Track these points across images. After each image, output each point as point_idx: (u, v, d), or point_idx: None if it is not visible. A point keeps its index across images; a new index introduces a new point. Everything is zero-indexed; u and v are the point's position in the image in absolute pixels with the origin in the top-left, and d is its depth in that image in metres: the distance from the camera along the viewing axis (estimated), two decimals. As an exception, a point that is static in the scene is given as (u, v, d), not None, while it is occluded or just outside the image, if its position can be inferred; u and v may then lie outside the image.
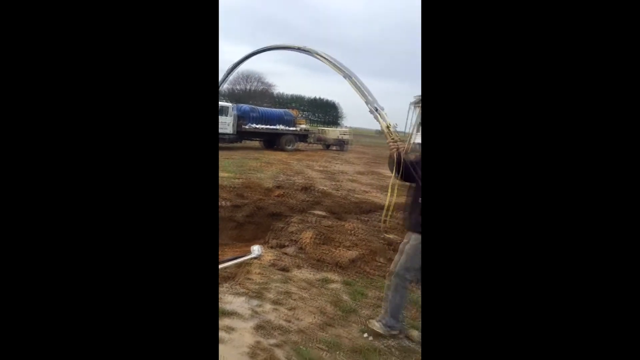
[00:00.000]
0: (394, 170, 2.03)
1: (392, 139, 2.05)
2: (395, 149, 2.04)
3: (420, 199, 2.03)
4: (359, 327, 2.41)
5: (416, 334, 2.34)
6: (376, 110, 2.04)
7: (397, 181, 2.04)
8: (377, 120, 2.09)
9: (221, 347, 1.99)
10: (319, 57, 2.12)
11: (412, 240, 2.23)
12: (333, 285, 3.00)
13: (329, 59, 2.06)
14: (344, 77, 2.12)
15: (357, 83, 2.18)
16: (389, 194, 2.11)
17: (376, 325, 2.33)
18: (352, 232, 3.90)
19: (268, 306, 2.56)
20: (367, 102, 2.10)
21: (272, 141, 14.66)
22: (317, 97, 60.01)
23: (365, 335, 2.31)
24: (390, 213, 2.19)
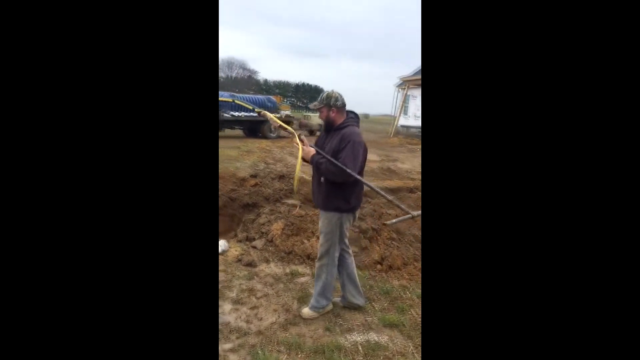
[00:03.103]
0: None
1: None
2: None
3: (322, 178, 2.16)
4: (325, 324, 2.26)
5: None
6: (288, 121, 2.70)
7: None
8: (287, 129, 2.70)
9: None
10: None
11: (321, 220, 2.25)
12: (301, 279, 2.84)
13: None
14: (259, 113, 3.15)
15: (267, 112, 2.93)
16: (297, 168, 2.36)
17: (307, 313, 2.31)
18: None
19: (227, 306, 2.39)
20: (280, 118, 2.86)
21: (254, 129, 14.25)
22: (303, 82, 59.19)
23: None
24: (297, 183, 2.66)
